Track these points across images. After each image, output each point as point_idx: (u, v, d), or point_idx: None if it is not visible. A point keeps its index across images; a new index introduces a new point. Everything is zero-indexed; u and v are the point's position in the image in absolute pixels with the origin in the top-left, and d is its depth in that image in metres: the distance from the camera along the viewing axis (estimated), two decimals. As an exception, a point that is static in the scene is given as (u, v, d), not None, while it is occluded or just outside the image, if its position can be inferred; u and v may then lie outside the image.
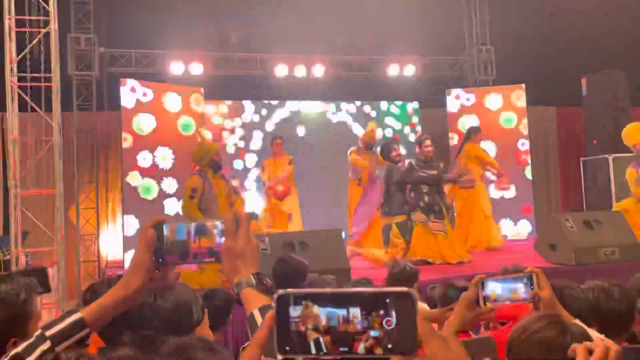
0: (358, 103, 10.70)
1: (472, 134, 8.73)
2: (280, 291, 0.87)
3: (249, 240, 1.22)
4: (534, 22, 10.51)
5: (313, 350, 0.85)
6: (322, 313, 0.85)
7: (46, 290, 2.28)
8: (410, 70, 10.78)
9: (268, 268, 5.18)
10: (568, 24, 10.37)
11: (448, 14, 10.86)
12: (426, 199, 6.98)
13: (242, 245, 1.20)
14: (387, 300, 0.84)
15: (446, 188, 7.58)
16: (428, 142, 7.15)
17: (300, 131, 10.21)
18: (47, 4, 5.82)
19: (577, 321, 1.72)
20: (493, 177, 8.80)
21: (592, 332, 1.64)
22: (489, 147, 9.49)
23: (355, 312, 0.84)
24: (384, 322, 0.83)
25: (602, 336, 1.78)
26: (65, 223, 7.00)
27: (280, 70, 10.16)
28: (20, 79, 5.81)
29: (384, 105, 10.83)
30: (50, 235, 5.99)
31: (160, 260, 1.21)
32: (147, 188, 8.28)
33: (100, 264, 8.98)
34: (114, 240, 9.25)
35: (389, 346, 0.83)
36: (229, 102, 10.09)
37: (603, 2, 10.01)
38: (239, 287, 1.19)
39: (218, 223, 1.23)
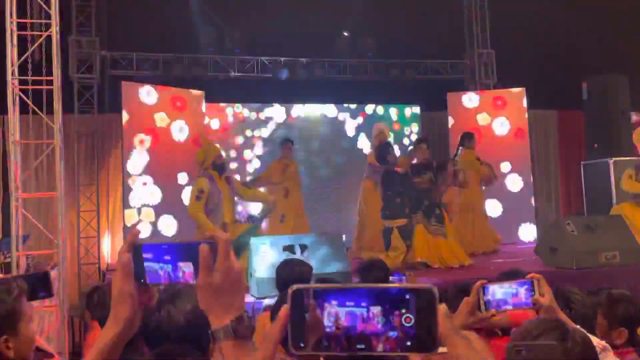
0: (359, 106, 10.70)
1: (466, 141, 8.69)
2: (296, 286, 0.84)
3: (229, 273, 1.00)
4: (534, 25, 10.52)
5: (329, 348, 0.82)
6: (339, 309, 0.82)
7: (48, 295, 2.28)
8: (411, 73, 10.78)
9: (267, 271, 5.19)
10: (569, 28, 10.37)
11: (449, 17, 10.87)
12: (427, 202, 7.00)
13: (220, 280, 0.99)
14: (408, 297, 0.82)
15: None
16: (423, 145, 7.35)
17: (301, 134, 10.21)
18: (49, 7, 5.82)
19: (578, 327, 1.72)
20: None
21: (593, 338, 1.64)
22: (488, 151, 9.47)
23: (375, 309, 0.81)
24: (403, 319, 0.81)
25: (604, 342, 1.78)
26: (66, 225, 7.00)
27: (281, 73, 10.17)
28: (21, 82, 5.81)
29: (384, 108, 10.83)
30: (51, 238, 5.99)
31: (142, 280, 1.08)
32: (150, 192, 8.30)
33: (101, 267, 8.98)
34: (115, 242, 9.26)
35: (408, 344, 0.81)
36: (230, 105, 10.09)
37: (603, 5, 10.01)
38: (216, 337, 1.00)
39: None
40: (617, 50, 10.27)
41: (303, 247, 5.67)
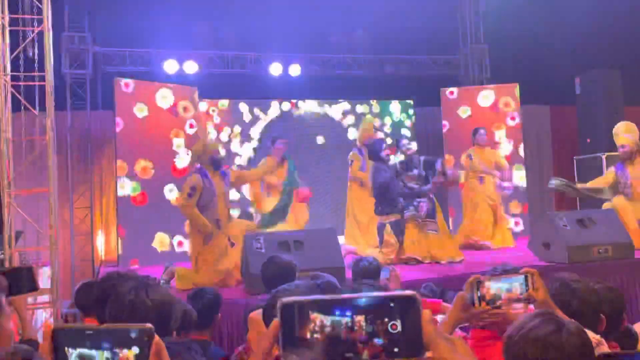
0: (353, 102, 10.69)
1: (474, 136, 8.72)
2: (285, 300, 0.87)
3: None
4: (528, 21, 10.53)
5: (319, 358, 0.85)
6: (327, 320, 0.85)
7: (33, 289, 2.28)
8: (404, 68, 10.79)
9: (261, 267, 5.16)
10: (562, 23, 10.40)
11: (442, 12, 10.87)
12: (418, 198, 7.03)
13: None
14: (392, 305, 0.85)
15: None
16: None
17: (295, 130, 10.18)
18: (41, 2, 5.78)
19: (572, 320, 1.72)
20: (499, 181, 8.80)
21: (588, 332, 1.65)
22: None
23: (360, 318, 0.84)
24: (389, 326, 0.84)
25: (598, 336, 1.79)
26: (60, 222, 6.97)
27: (275, 69, 10.15)
28: (13, 78, 5.78)
29: (379, 103, 10.83)
30: (44, 235, 5.97)
31: None
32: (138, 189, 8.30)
33: (95, 263, 8.96)
34: (110, 239, 9.24)
35: (395, 350, 0.84)
36: (224, 101, 10.07)
37: (597, 1, 10.04)
38: None
39: None
40: (610, 46, 10.30)
41: (298, 243, 5.66)
